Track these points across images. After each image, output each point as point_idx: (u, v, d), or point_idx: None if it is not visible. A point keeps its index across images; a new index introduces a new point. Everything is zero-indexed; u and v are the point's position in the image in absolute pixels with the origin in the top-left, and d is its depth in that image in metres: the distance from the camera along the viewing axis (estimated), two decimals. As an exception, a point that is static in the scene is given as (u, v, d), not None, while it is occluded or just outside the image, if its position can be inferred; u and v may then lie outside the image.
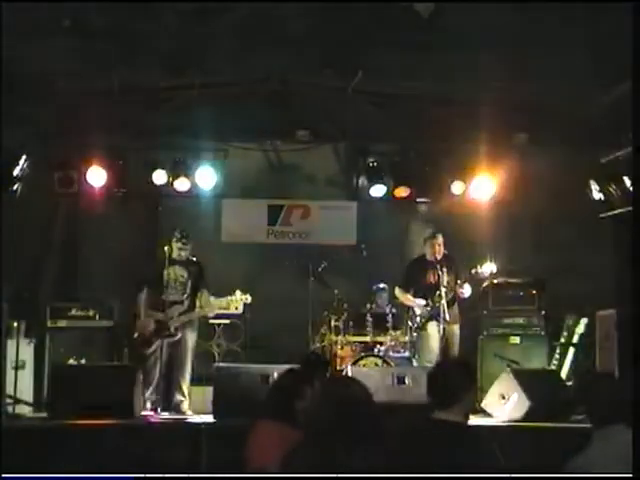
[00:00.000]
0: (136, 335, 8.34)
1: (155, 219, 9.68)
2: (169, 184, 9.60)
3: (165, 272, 8.31)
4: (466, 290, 8.50)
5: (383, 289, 9.34)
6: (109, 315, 9.01)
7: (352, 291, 9.48)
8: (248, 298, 8.34)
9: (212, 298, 8.33)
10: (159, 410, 8.03)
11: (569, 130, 9.36)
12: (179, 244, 8.29)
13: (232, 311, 9.26)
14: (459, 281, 8.50)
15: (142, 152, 9.69)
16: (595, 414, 3.70)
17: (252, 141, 10.01)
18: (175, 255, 8.30)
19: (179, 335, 8.17)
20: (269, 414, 4.57)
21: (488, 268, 8.41)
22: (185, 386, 8.22)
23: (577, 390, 8.00)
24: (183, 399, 8.16)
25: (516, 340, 9.14)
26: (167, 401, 8.18)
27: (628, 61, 5.81)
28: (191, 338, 8.32)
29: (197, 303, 8.31)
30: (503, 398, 7.61)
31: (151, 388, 8.10)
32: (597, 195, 9.63)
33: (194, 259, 8.42)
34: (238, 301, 8.25)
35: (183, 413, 8.05)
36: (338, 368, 8.75)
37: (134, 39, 7.68)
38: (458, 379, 3.72)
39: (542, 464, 3.48)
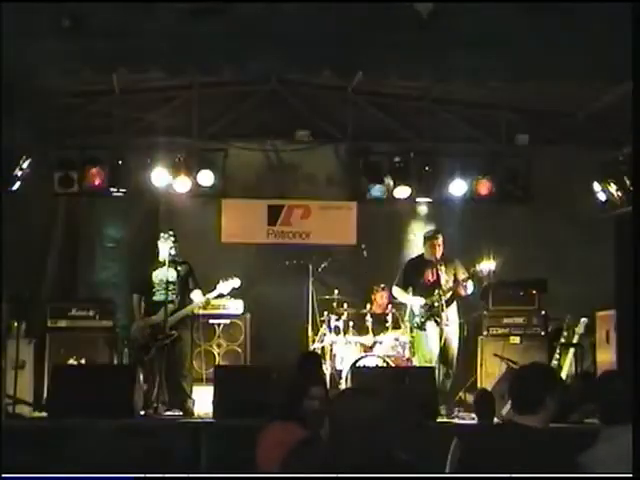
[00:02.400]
0: (132, 342, 8.36)
1: (155, 219, 9.68)
2: (169, 184, 9.60)
3: (154, 274, 8.35)
4: (469, 286, 8.51)
5: (383, 289, 9.34)
6: (109, 315, 9.01)
7: (352, 291, 9.47)
8: (237, 281, 8.36)
9: (205, 295, 8.37)
10: (162, 410, 8.04)
11: (569, 130, 9.37)
12: (165, 245, 8.31)
13: (232, 311, 9.31)
14: (463, 276, 8.50)
15: (142, 152, 9.69)
16: (605, 412, 3.67)
17: (252, 141, 10.01)
18: (162, 256, 8.32)
19: (174, 335, 8.19)
20: (279, 415, 4.57)
21: (486, 266, 8.40)
22: (187, 385, 8.23)
23: (587, 387, 8.01)
24: (186, 399, 8.16)
25: (516, 340, 9.13)
26: (170, 401, 8.19)
27: (628, 61, 5.81)
28: (186, 336, 8.36)
29: (188, 301, 8.35)
30: (503, 398, 7.60)
31: (152, 388, 8.10)
32: (598, 195, 9.63)
33: (181, 259, 8.43)
34: (227, 287, 8.28)
35: (188, 412, 8.04)
36: (338, 368, 8.76)
37: (134, 39, 7.68)
38: (546, 385, 3.68)
39: (542, 464, 3.46)
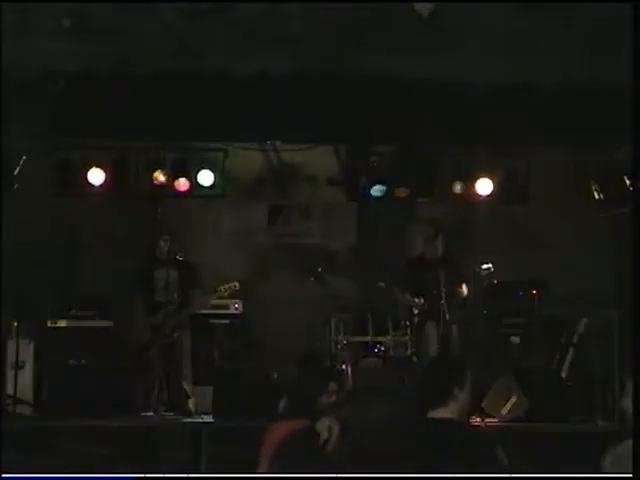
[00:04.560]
0: (132, 342, 8.35)
1: (155, 219, 9.68)
2: (169, 184, 9.60)
3: (155, 274, 8.34)
4: (464, 290, 8.50)
5: (383, 289, 9.33)
6: (109, 315, 9.00)
7: (352, 291, 9.47)
8: (236, 285, 8.36)
9: (203, 298, 8.37)
10: (162, 410, 8.04)
11: (569, 130, 9.36)
12: (165, 245, 8.30)
13: (232, 311, 9.30)
14: (464, 277, 8.50)
15: (142, 152, 9.69)
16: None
17: (252, 141, 10.01)
18: (163, 256, 8.31)
19: (175, 335, 8.18)
20: (288, 413, 4.56)
21: (485, 267, 8.41)
22: (187, 385, 8.22)
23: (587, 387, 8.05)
24: (186, 399, 8.16)
25: (516, 340, 9.13)
26: (170, 401, 8.19)
27: (628, 61, 5.81)
28: (187, 337, 8.36)
29: (189, 302, 8.35)
30: (503, 398, 7.61)
31: (152, 388, 8.10)
32: (597, 195, 9.63)
33: (183, 259, 8.44)
34: (227, 290, 8.29)
35: (187, 412, 8.04)
36: (338, 368, 8.74)
37: (134, 39, 7.68)
38: (451, 376, 3.70)
39: (542, 464, 3.46)
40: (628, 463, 3.37)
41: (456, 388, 3.65)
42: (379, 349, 8.83)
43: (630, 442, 3.46)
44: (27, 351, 8.46)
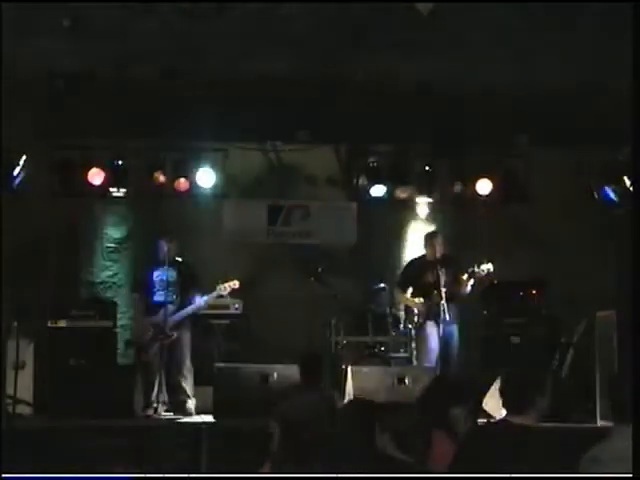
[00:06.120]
0: (132, 342, 8.35)
1: (155, 219, 9.67)
2: (169, 184, 9.60)
3: (154, 274, 8.35)
4: (464, 290, 8.52)
5: (383, 289, 9.34)
6: (109, 315, 9.00)
7: (352, 291, 9.47)
8: (236, 284, 8.37)
9: (205, 297, 8.38)
10: (162, 410, 8.04)
11: (570, 130, 9.37)
12: (165, 245, 8.31)
13: (232, 311, 9.31)
14: (465, 277, 8.49)
15: (142, 152, 9.69)
16: (616, 410, 3.66)
17: (252, 141, 10.01)
18: (162, 256, 8.32)
19: (174, 335, 8.19)
20: None
21: (485, 267, 8.41)
22: (187, 385, 8.23)
23: (587, 387, 8.03)
24: (186, 399, 8.16)
25: (516, 340, 9.13)
26: (170, 401, 8.20)
27: (628, 61, 5.82)
28: (186, 337, 8.36)
29: (188, 302, 8.35)
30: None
31: (152, 388, 8.10)
32: (597, 195, 9.63)
33: (182, 259, 8.45)
34: (226, 288, 8.30)
35: (187, 413, 8.05)
36: (338, 368, 8.75)
37: (134, 39, 7.69)
38: (532, 385, 3.70)
39: (542, 464, 3.46)
40: (597, 467, 3.38)
41: (538, 397, 3.66)
42: (379, 349, 8.84)
43: (598, 447, 3.47)
44: (27, 351, 8.46)
